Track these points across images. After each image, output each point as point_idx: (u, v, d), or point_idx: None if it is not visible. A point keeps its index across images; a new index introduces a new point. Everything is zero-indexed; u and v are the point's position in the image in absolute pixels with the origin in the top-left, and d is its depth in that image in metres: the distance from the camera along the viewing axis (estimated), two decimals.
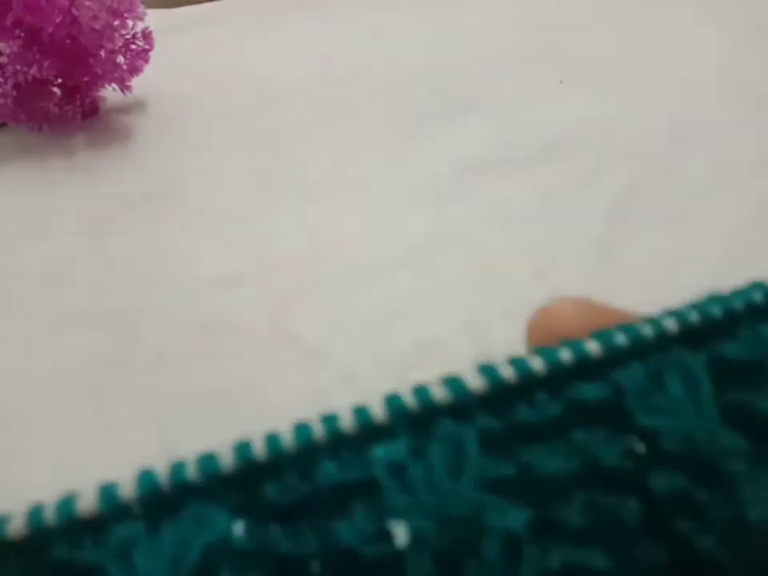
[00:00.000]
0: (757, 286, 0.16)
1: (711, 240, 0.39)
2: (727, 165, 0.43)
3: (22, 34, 0.41)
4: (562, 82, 0.49)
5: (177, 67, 0.49)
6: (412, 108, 0.46)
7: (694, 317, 0.15)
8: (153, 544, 0.14)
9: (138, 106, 0.48)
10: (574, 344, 0.15)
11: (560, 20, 0.56)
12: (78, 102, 0.45)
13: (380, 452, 0.14)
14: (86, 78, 0.44)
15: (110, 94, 0.46)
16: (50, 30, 0.40)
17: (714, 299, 0.16)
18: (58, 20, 0.40)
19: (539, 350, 0.15)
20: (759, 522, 0.14)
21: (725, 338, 0.15)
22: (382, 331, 0.31)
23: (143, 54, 0.45)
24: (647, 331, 0.15)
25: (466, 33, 0.55)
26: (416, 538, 0.14)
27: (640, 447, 0.14)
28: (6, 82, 0.41)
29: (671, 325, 0.15)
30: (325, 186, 0.40)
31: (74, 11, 0.40)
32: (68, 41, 0.41)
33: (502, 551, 0.14)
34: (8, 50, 0.40)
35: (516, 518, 0.14)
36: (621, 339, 0.15)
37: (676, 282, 0.37)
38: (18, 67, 0.41)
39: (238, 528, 0.14)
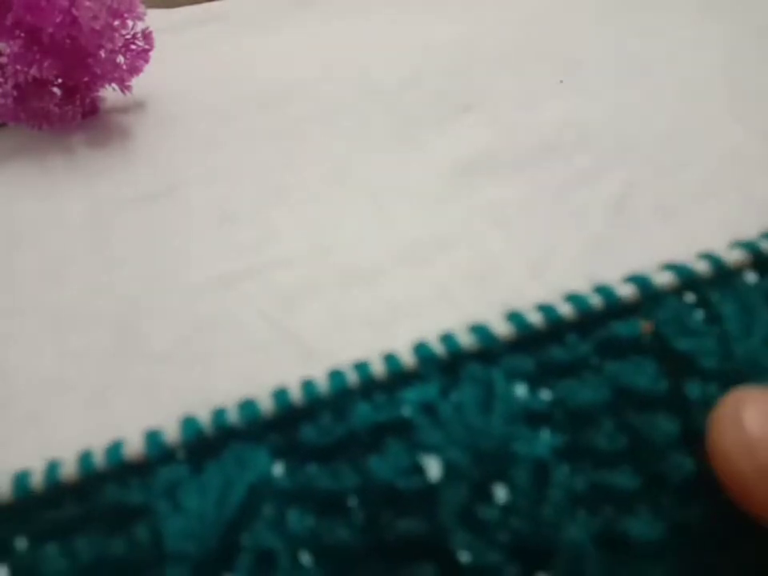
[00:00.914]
0: None
1: (711, 240, 0.38)
2: (727, 165, 0.43)
3: (22, 34, 0.41)
4: (561, 81, 0.49)
5: (177, 67, 0.49)
6: (412, 108, 0.47)
7: (765, 244, 0.16)
8: (197, 484, 0.14)
9: (138, 106, 0.48)
10: (603, 288, 0.16)
11: (560, 20, 0.56)
12: (77, 102, 0.45)
13: (411, 393, 0.15)
14: (85, 78, 0.44)
15: (109, 93, 0.46)
16: (50, 30, 0.40)
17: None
18: (58, 20, 0.40)
19: (570, 297, 0.16)
20: None
21: None
22: (382, 331, 0.31)
23: (143, 54, 0.45)
24: (700, 267, 0.16)
25: (466, 33, 0.55)
26: (449, 470, 0.14)
27: (672, 371, 0.15)
28: (6, 82, 0.41)
29: (735, 255, 0.16)
30: (325, 186, 0.40)
31: (74, 11, 0.40)
32: (68, 41, 0.41)
33: (531, 478, 0.14)
34: (8, 50, 0.40)
35: (543, 445, 0.15)
36: (662, 279, 0.16)
37: None
38: (18, 67, 0.41)
39: (278, 469, 0.15)
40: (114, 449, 0.16)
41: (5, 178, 0.42)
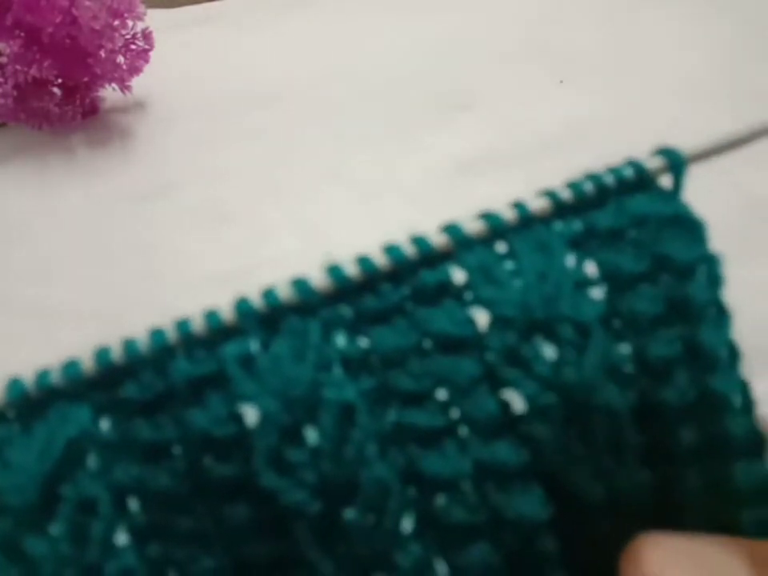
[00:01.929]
0: (631, 163, 0.18)
1: (711, 240, 0.38)
2: (727, 165, 0.43)
3: (22, 34, 0.41)
4: (561, 81, 0.49)
5: (176, 67, 0.50)
6: (410, 107, 0.46)
7: (565, 193, 0.17)
8: (24, 441, 0.15)
9: (138, 106, 0.48)
10: (418, 239, 0.17)
11: (559, 19, 0.56)
12: (77, 102, 0.45)
13: (229, 348, 0.16)
14: (85, 78, 0.44)
15: (109, 93, 0.47)
16: (50, 30, 0.40)
17: (589, 176, 0.17)
18: (57, 20, 0.40)
19: (387, 248, 0.17)
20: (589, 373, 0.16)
21: (596, 210, 0.17)
22: None
23: (143, 54, 0.45)
24: (508, 214, 0.17)
25: (465, 32, 0.55)
26: (262, 417, 0.15)
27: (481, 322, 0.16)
28: (6, 82, 0.41)
29: (538, 203, 0.17)
30: (322, 185, 0.40)
31: (73, 11, 0.40)
32: (68, 41, 0.42)
33: (337, 420, 0.15)
34: (8, 50, 0.41)
35: (350, 390, 0.16)
36: (474, 227, 0.17)
37: None
38: (18, 67, 0.41)
39: (105, 424, 0.16)
40: None
41: (5, 177, 0.42)
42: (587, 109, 0.46)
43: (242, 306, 0.16)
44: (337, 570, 0.15)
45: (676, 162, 0.18)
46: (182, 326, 0.16)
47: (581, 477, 0.16)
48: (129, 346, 0.16)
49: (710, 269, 0.17)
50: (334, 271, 0.17)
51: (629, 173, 0.18)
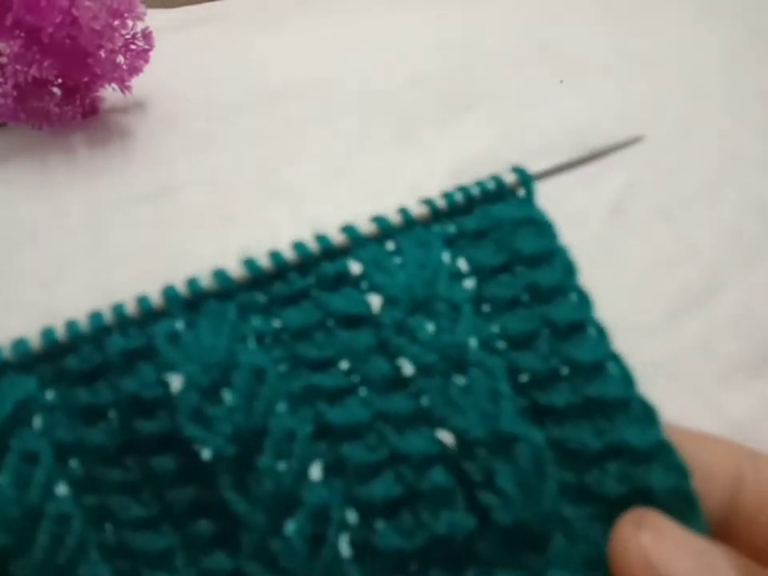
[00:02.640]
0: (493, 178, 0.21)
1: (712, 240, 0.38)
2: (727, 165, 0.43)
3: (22, 34, 0.41)
4: (562, 81, 0.49)
5: (176, 67, 0.49)
6: (412, 107, 0.47)
7: (440, 202, 0.21)
8: None
9: (138, 106, 0.48)
10: (320, 237, 0.20)
11: (560, 20, 0.56)
12: (77, 102, 0.45)
13: (158, 326, 0.19)
14: (85, 78, 0.44)
15: (109, 93, 0.46)
16: (50, 30, 0.40)
17: (459, 188, 0.21)
18: (57, 20, 0.40)
19: (295, 244, 0.20)
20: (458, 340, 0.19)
21: (465, 216, 0.21)
22: None
23: (143, 54, 0.45)
24: (395, 218, 0.20)
25: (467, 33, 0.55)
26: (186, 380, 0.18)
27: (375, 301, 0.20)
28: (6, 82, 0.41)
29: (419, 209, 0.21)
30: (324, 186, 0.40)
31: (73, 11, 0.40)
32: (68, 41, 0.41)
33: (248, 380, 0.18)
34: (8, 50, 0.40)
35: (261, 355, 0.19)
36: (368, 228, 0.20)
37: (675, 281, 0.37)
38: (17, 67, 0.41)
39: (50, 394, 0.19)
40: None
41: (5, 177, 0.42)
42: (588, 109, 0.46)
43: (169, 292, 0.19)
44: (251, 510, 0.18)
45: (525, 178, 0.22)
46: (117, 309, 0.19)
47: (464, 420, 0.19)
48: (71, 326, 0.19)
49: (562, 260, 0.21)
50: (249, 263, 0.20)
51: (491, 185, 0.21)
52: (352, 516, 0.19)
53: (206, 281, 0.20)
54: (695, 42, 0.53)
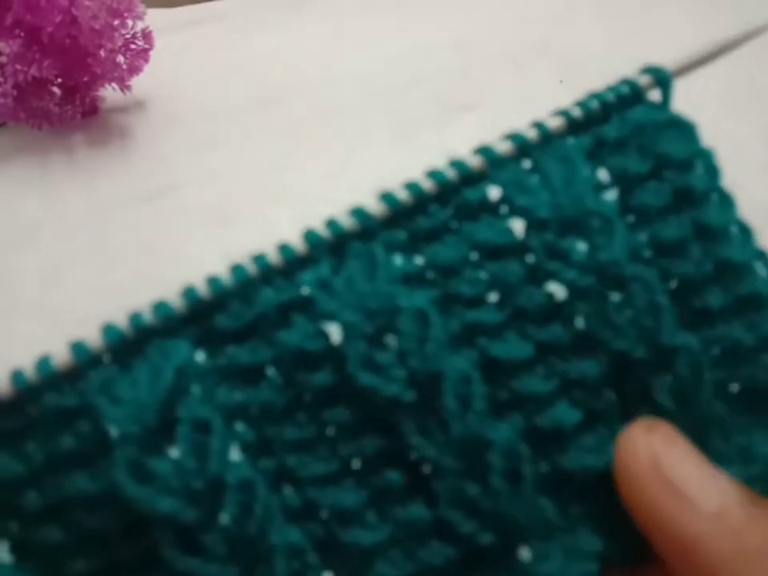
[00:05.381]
0: (626, 81, 0.21)
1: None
2: (728, 165, 0.43)
3: (22, 34, 0.41)
4: (562, 81, 0.49)
5: (177, 67, 0.49)
6: (412, 108, 0.46)
7: (576, 111, 0.20)
8: (128, 379, 0.16)
9: (138, 106, 0.48)
10: (456, 162, 0.19)
11: (560, 20, 0.56)
12: (77, 102, 0.45)
13: (307, 274, 0.18)
14: (85, 78, 0.44)
15: (109, 93, 0.46)
16: (50, 29, 0.40)
17: (593, 95, 0.20)
18: (57, 20, 0.40)
19: (430, 172, 0.19)
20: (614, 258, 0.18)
21: (602, 124, 0.20)
22: None
23: (143, 54, 0.45)
24: (531, 133, 0.19)
25: (466, 33, 0.55)
26: (347, 329, 0.17)
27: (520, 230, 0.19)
28: (5, 82, 0.41)
29: (555, 121, 0.20)
30: (324, 186, 0.40)
31: (73, 11, 0.40)
32: (68, 41, 0.41)
33: (414, 324, 0.17)
34: (8, 50, 0.40)
35: (420, 297, 0.18)
36: (503, 147, 0.19)
37: None
38: (17, 67, 0.41)
39: (200, 356, 0.17)
40: (42, 363, 0.17)
41: (5, 177, 0.42)
42: None
43: (311, 235, 0.18)
44: (441, 454, 0.17)
45: (663, 78, 0.22)
46: (259, 260, 0.18)
47: (624, 342, 0.18)
48: (213, 282, 0.18)
49: (706, 162, 0.20)
50: (387, 197, 0.19)
51: (625, 89, 0.20)
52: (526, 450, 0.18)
53: (346, 221, 0.18)
54: (695, 41, 0.53)
